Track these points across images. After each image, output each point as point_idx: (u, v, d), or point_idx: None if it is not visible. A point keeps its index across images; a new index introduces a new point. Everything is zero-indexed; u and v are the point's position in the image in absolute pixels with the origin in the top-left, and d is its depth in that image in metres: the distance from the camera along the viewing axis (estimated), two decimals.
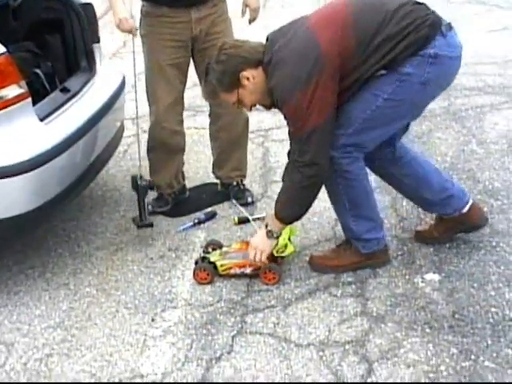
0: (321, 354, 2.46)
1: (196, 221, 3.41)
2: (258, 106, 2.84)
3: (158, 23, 3.20)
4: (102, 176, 3.80)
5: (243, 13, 3.33)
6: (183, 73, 3.32)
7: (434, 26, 2.56)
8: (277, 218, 2.80)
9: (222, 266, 2.91)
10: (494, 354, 2.39)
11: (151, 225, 3.27)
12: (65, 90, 3.20)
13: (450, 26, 2.62)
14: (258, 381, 2.37)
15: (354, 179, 2.74)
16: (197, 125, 4.47)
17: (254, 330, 2.62)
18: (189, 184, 3.72)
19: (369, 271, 2.90)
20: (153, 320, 2.73)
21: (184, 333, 2.64)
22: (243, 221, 3.38)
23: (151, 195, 3.55)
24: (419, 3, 2.64)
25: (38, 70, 3.36)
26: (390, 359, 2.41)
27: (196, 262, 2.98)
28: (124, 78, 3.66)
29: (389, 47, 2.53)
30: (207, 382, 2.39)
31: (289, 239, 2.90)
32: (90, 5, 3.48)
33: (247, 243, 2.95)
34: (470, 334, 2.49)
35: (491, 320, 2.56)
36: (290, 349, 2.50)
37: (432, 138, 4.14)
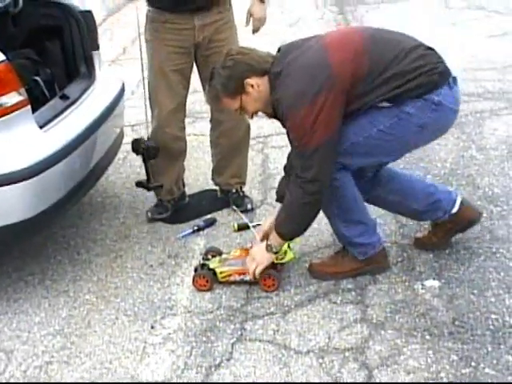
0: (320, 361, 2.46)
1: (195, 228, 3.41)
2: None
3: (163, 29, 3.21)
4: (101, 183, 3.80)
5: (247, 22, 3.33)
6: (186, 79, 3.33)
7: (444, 75, 2.62)
8: (276, 233, 2.80)
9: (221, 272, 2.90)
10: (495, 361, 2.38)
11: (161, 186, 3.38)
12: (64, 97, 3.20)
13: (455, 80, 2.67)
14: None
15: (340, 186, 2.74)
16: (196, 131, 4.48)
17: (253, 337, 2.62)
18: (188, 191, 3.72)
19: (369, 278, 2.90)
20: (152, 327, 2.72)
21: (183, 340, 2.63)
22: (243, 227, 3.38)
23: (150, 200, 3.55)
24: (431, 48, 2.68)
25: (37, 77, 3.37)
26: (390, 366, 2.40)
27: (195, 269, 2.98)
28: (123, 84, 3.67)
29: (399, 82, 2.56)
30: None
31: (288, 246, 2.90)
32: (89, 12, 3.50)
33: (247, 250, 2.95)
34: (470, 340, 2.49)
35: (491, 327, 2.55)
36: (289, 356, 2.50)
37: (431, 144, 4.12)
